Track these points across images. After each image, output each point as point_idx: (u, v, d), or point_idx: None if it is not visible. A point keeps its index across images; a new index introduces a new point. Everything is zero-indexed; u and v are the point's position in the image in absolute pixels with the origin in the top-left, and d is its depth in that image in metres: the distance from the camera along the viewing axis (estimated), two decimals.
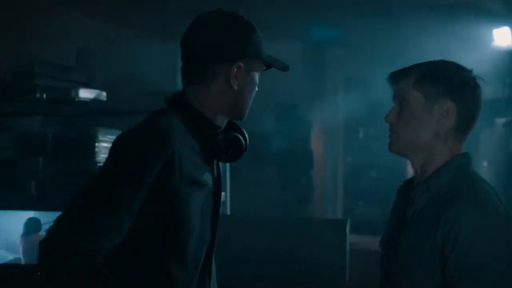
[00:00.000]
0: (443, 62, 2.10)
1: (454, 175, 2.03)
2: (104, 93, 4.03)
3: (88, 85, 4.11)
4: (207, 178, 2.06)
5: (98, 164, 3.97)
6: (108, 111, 4.11)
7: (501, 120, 6.57)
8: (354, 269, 4.02)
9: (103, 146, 4.03)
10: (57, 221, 1.90)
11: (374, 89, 5.99)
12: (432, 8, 5.38)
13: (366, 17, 5.68)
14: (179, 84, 4.15)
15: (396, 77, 2.11)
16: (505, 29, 5.89)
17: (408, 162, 2.17)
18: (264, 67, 2.14)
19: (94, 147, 3.95)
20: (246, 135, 2.17)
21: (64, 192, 3.74)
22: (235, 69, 2.04)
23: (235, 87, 2.06)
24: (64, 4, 5.08)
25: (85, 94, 3.94)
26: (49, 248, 1.88)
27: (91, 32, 5.28)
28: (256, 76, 2.12)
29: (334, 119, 7.37)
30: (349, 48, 6.96)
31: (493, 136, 7.02)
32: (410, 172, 2.30)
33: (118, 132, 4.15)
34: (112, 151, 1.98)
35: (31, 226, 3.94)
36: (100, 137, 4.01)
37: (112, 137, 4.13)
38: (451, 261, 1.90)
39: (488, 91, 6.04)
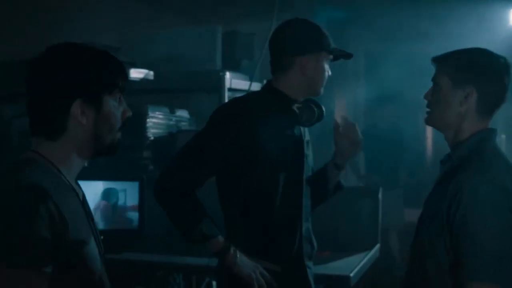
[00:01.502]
0: (476, 50, 2.41)
1: (474, 148, 2.35)
2: (152, 73, 4.26)
3: (134, 65, 4.25)
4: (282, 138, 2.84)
5: (150, 139, 4.25)
6: (156, 89, 4.34)
7: None
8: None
9: (153, 122, 4.30)
10: (165, 167, 2.86)
11: (392, 67, 6.16)
12: None
13: None
14: (218, 64, 4.40)
15: (435, 61, 2.47)
16: None
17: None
18: (331, 57, 2.88)
19: (145, 123, 4.23)
20: (321, 107, 2.93)
21: (121, 163, 4.00)
22: (305, 61, 2.80)
23: (307, 74, 2.83)
24: None
25: (134, 73, 4.17)
26: (158, 181, 2.82)
27: (132, 15, 5.51)
28: (325, 64, 2.85)
29: (355, 95, 7.54)
30: (369, 27, 7.08)
31: (510, 110, 7.17)
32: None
33: (166, 109, 4.43)
34: (208, 120, 2.84)
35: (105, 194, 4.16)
36: (150, 114, 4.28)
37: (161, 113, 4.40)
38: (456, 220, 2.21)
39: None
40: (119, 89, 1.98)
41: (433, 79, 2.46)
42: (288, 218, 2.87)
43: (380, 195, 4.17)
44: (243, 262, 2.79)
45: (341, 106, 7.21)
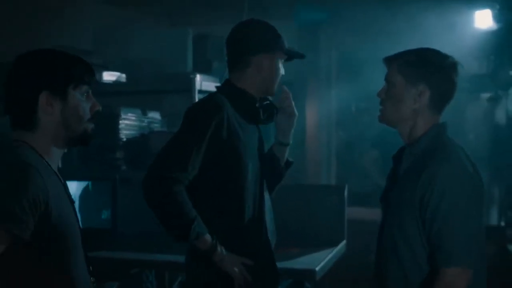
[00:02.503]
0: (426, 50, 2.56)
1: (431, 141, 2.50)
2: (124, 75, 4.35)
3: (107, 68, 4.36)
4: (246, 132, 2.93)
5: (122, 140, 4.34)
6: (128, 91, 4.43)
7: (485, 95, 6.75)
8: (348, 239, 4.37)
9: (126, 123, 4.39)
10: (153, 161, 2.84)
11: (365, 67, 6.23)
12: None
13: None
14: (189, 66, 4.49)
15: (386, 61, 2.60)
16: (486, 11, 6.10)
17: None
18: (286, 57, 2.96)
19: (118, 124, 4.31)
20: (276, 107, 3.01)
21: (94, 164, 4.09)
22: (262, 60, 2.88)
23: (263, 73, 2.89)
24: None
25: (107, 76, 4.26)
26: (146, 177, 2.79)
27: (103, 17, 5.58)
28: (279, 64, 2.94)
29: (327, 96, 7.61)
30: (341, 27, 7.16)
31: (478, 110, 7.30)
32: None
33: (138, 111, 4.51)
34: (184, 118, 2.88)
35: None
36: (123, 115, 4.37)
37: (133, 115, 4.48)
38: (430, 206, 2.38)
39: (473, 68, 6.34)
40: (85, 84, 2.19)
41: (386, 78, 2.59)
42: (255, 212, 2.96)
43: (346, 193, 4.31)
44: (230, 258, 2.85)
45: (313, 107, 7.27)
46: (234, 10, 5.24)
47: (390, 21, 6.12)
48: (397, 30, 5.93)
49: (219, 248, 2.83)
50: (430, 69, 2.50)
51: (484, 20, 6.18)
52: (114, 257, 3.88)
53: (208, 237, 2.81)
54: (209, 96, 3.03)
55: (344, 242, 4.26)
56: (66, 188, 2.23)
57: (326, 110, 7.55)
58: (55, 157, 2.20)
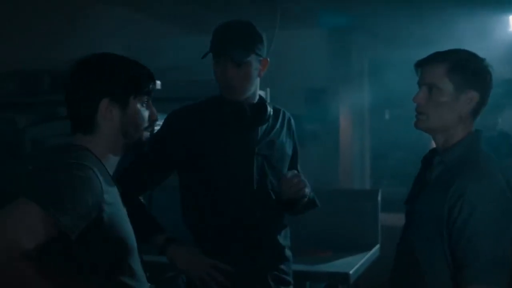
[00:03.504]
0: (466, 53, 2.46)
1: (465, 151, 2.41)
2: (159, 82, 4.39)
3: None
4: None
5: None
6: (162, 98, 4.47)
7: None
8: (382, 243, 4.39)
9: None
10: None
11: (397, 72, 6.22)
12: None
13: (389, 5, 5.90)
14: None
15: (426, 64, 2.45)
16: None
17: (431, 140, 2.56)
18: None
19: (153, 130, 4.34)
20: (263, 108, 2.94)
21: None
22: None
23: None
24: (113, 1, 5.45)
25: None
26: None
27: (135, 26, 5.65)
28: (216, 67, 2.95)
29: (360, 102, 7.64)
30: (372, 33, 7.18)
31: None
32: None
33: None
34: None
35: None
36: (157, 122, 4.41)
37: None
38: (458, 221, 2.28)
39: (507, 73, 6.29)
40: (145, 94, 2.22)
41: (424, 82, 2.45)
42: (238, 216, 2.89)
43: (379, 197, 4.32)
44: (188, 260, 2.84)
45: (346, 113, 7.29)
46: (265, 18, 5.28)
47: (422, 27, 6.12)
48: (429, 35, 5.93)
49: (172, 248, 2.83)
50: (478, 73, 2.41)
51: None
52: (150, 260, 3.92)
53: (160, 235, 2.86)
54: (191, 103, 3.10)
55: (377, 246, 4.28)
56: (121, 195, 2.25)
57: (359, 115, 7.56)
58: (111, 162, 2.23)
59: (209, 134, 2.90)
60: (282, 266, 3.00)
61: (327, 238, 3.75)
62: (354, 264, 3.75)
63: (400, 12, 6.00)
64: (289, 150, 3.08)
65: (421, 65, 2.48)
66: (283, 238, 3.03)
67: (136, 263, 2.20)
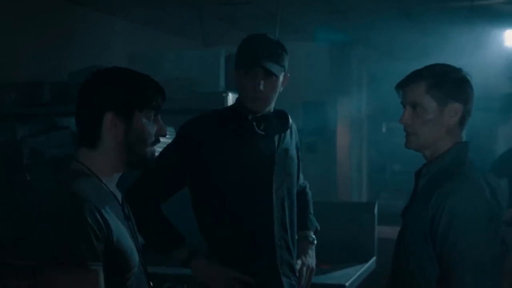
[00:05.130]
0: (441, 66, 2.49)
1: (451, 161, 2.44)
2: None
3: None
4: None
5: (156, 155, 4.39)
6: (162, 110, 4.48)
7: None
8: (379, 256, 4.42)
9: (161, 141, 4.43)
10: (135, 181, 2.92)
11: (395, 85, 6.24)
12: (449, 11, 5.63)
13: (388, 19, 5.95)
14: (221, 85, 4.57)
15: (406, 85, 2.48)
16: None
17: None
18: (248, 73, 2.90)
19: None
20: (283, 118, 3.02)
21: (126, 181, 4.12)
22: (235, 75, 3.00)
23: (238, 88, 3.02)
24: (115, 13, 5.49)
25: None
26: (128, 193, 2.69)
27: (137, 38, 5.69)
28: (241, 80, 2.94)
29: (358, 114, 7.67)
30: (372, 46, 7.22)
31: (509, 129, 7.29)
32: None
33: (171, 129, 4.57)
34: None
35: None
36: None
37: (167, 133, 4.52)
38: (440, 228, 2.30)
39: (504, 87, 6.35)
40: (153, 108, 2.17)
41: (407, 102, 2.47)
42: (259, 228, 2.93)
43: (376, 210, 4.35)
44: (211, 273, 2.91)
45: (344, 125, 7.32)
46: (266, 31, 5.31)
47: (420, 40, 6.17)
48: (427, 49, 5.98)
49: (196, 260, 2.89)
50: (457, 85, 2.44)
51: None
52: (147, 271, 3.93)
53: (183, 248, 2.92)
54: (204, 113, 3.12)
55: (374, 258, 4.31)
56: (123, 206, 2.23)
57: (357, 128, 7.59)
58: (114, 177, 2.19)
59: (229, 142, 2.93)
60: (293, 274, 3.06)
61: (324, 250, 3.73)
62: (351, 276, 3.78)
63: (398, 25, 6.06)
64: (296, 159, 3.14)
65: (401, 86, 2.51)
66: (293, 248, 3.09)
67: (141, 281, 2.21)
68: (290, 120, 3.03)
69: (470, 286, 2.27)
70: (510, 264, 5.22)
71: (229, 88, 4.47)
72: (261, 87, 2.85)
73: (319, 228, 3.26)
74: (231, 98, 4.21)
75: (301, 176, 3.27)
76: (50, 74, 4.62)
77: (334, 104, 7.05)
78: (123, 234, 2.11)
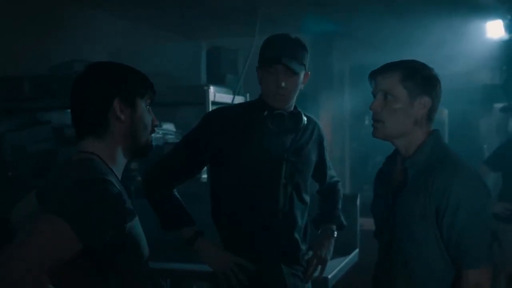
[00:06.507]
0: (415, 62, 2.58)
1: (432, 150, 2.53)
2: None
3: None
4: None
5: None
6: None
7: (498, 105, 6.75)
8: (361, 248, 4.42)
9: None
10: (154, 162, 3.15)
11: None
12: (431, 2, 5.63)
13: (370, 11, 5.95)
14: (202, 79, 4.55)
15: (379, 74, 2.56)
16: (497, 22, 6.17)
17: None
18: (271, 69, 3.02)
19: None
20: (296, 115, 3.12)
21: None
22: (258, 71, 3.08)
23: (260, 84, 3.07)
24: (96, 7, 5.45)
25: None
26: (147, 173, 3.17)
27: (117, 31, 5.65)
28: (266, 76, 3.05)
29: (341, 107, 7.67)
30: (353, 38, 7.22)
31: (491, 120, 7.32)
32: None
33: (170, 124, 4.49)
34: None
35: None
36: None
37: None
38: (446, 215, 2.42)
39: (485, 78, 6.38)
40: (149, 97, 2.25)
41: (379, 90, 2.54)
42: (263, 218, 3.05)
43: (358, 202, 4.36)
44: (214, 255, 3.05)
45: (326, 118, 7.31)
46: (247, 23, 5.31)
47: (402, 31, 6.17)
48: (408, 40, 5.99)
49: (200, 241, 3.05)
50: (429, 80, 2.53)
51: (495, 30, 6.23)
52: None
53: (191, 228, 3.07)
54: (226, 106, 3.45)
55: (356, 250, 4.31)
56: (131, 197, 2.26)
57: (339, 121, 7.59)
58: (120, 167, 2.24)
59: (244, 136, 3.06)
60: (300, 266, 3.20)
61: None
62: (333, 268, 3.77)
63: (380, 17, 6.06)
64: (313, 157, 3.26)
65: (374, 75, 2.58)
66: (302, 240, 3.22)
67: (145, 272, 2.24)
68: (305, 121, 3.13)
69: (483, 260, 2.45)
70: (502, 258, 5.28)
71: (210, 81, 4.47)
72: (283, 84, 2.96)
73: (345, 224, 3.43)
74: (212, 91, 4.21)
75: (330, 172, 3.51)
76: (30, 68, 4.59)
77: (316, 97, 7.05)
78: (136, 222, 2.15)
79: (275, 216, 3.06)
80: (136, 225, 2.13)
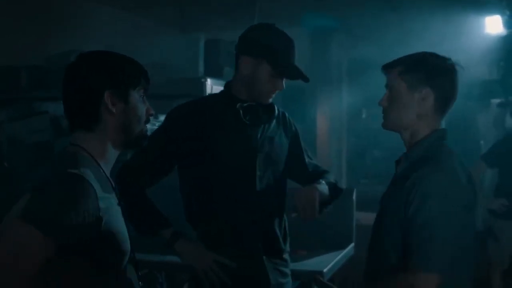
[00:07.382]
0: (424, 54, 2.54)
1: (429, 148, 2.48)
2: None
3: None
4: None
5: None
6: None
7: (496, 101, 6.76)
8: (358, 243, 4.40)
9: None
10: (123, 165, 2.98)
11: (375, 73, 6.27)
12: None
13: (368, 6, 5.95)
14: (200, 71, 4.54)
15: (386, 68, 2.57)
16: (496, 17, 6.18)
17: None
18: (270, 69, 2.90)
19: None
20: (270, 109, 3.03)
21: None
22: (244, 60, 2.90)
23: (243, 75, 2.91)
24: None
25: None
26: (118, 175, 2.86)
27: (116, 23, 5.65)
28: (265, 74, 2.89)
29: (338, 101, 7.68)
30: (352, 33, 7.22)
31: (489, 115, 7.32)
32: None
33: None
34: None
35: None
36: None
37: None
38: (411, 207, 2.32)
39: (483, 74, 6.36)
40: (142, 87, 2.18)
41: (387, 85, 2.55)
42: (241, 214, 2.96)
43: (354, 196, 4.35)
44: (195, 255, 2.96)
45: (324, 112, 7.31)
46: (245, 16, 5.30)
47: (400, 27, 6.17)
48: (407, 36, 5.98)
49: (178, 242, 2.95)
50: (431, 72, 2.48)
51: (494, 26, 6.23)
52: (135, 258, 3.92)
53: (168, 230, 2.97)
54: (192, 100, 3.18)
55: (352, 245, 4.31)
56: (116, 194, 2.21)
57: (337, 115, 7.59)
58: (110, 161, 2.19)
59: (215, 130, 2.97)
60: (281, 260, 3.09)
61: (302, 236, 3.75)
62: (329, 262, 3.78)
63: (379, 12, 6.06)
64: (285, 144, 3.14)
65: (383, 69, 2.60)
66: (282, 234, 3.11)
67: (129, 267, 2.20)
68: (277, 110, 3.07)
69: (431, 264, 2.27)
70: (499, 254, 5.28)
71: (207, 73, 4.46)
72: (283, 87, 2.96)
73: (340, 186, 3.22)
74: (209, 84, 4.20)
75: (313, 162, 3.28)
76: (27, 59, 4.58)
77: (314, 91, 7.04)
78: (117, 218, 2.11)
79: (254, 212, 2.97)
80: (115, 219, 2.09)
